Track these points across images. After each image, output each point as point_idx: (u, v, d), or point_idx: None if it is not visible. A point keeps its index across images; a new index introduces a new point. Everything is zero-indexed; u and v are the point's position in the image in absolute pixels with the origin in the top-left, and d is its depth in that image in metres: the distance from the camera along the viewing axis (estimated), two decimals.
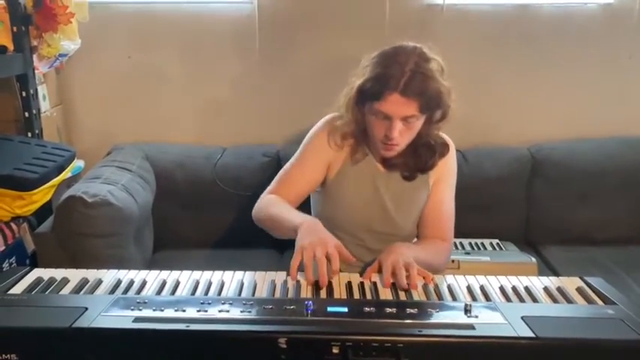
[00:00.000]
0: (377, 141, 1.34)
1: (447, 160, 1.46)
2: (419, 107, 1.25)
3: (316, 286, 1.11)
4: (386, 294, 1.10)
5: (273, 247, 2.13)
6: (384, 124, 1.29)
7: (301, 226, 1.22)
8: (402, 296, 1.09)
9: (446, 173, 1.47)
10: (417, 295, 1.09)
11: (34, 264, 1.78)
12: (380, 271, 1.18)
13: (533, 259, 1.93)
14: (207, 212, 2.22)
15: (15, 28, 1.85)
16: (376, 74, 1.26)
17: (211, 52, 2.32)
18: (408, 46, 1.29)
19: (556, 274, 2.00)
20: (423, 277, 1.15)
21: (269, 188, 1.47)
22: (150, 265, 2.02)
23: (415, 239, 1.52)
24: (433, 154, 1.41)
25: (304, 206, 1.49)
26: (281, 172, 1.49)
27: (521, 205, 2.30)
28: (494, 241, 2.13)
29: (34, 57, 1.96)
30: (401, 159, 1.41)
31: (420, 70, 1.24)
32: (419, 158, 1.41)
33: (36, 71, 1.98)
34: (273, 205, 1.39)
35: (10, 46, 1.85)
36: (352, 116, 1.37)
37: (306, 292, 1.09)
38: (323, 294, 1.09)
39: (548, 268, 2.08)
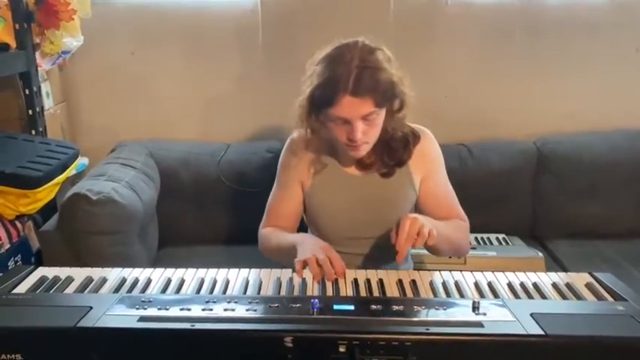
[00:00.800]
0: (342, 145, 1.29)
1: (425, 151, 1.40)
2: (374, 103, 1.20)
3: (323, 283, 1.11)
4: (393, 291, 1.09)
5: None
6: (345, 128, 1.24)
7: (298, 243, 1.24)
8: (409, 293, 1.08)
9: (431, 165, 1.41)
10: (425, 292, 1.08)
11: (39, 262, 1.78)
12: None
13: (541, 254, 1.92)
14: (212, 209, 2.21)
15: (17, 26, 1.84)
16: (323, 79, 1.21)
17: (215, 48, 2.30)
18: (349, 43, 1.24)
19: (563, 268, 1.99)
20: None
21: (262, 222, 1.48)
22: (155, 262, 2.02)
23: None
24: (407, 144, 1.36)
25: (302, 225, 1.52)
26: (268, 201, 1.49)
27: (528, 199, 2.28)
28: (501, 236, 2.12)
29: (37, 54, 1.96)
30: (374, 157, 1.36)
31: (367, 65, 1.19)
32: (393, 152, 1.35)
33: (39, 69, 1.97)
34: (270, 239, 1.40)
35: (13, 44, 1.85)
36: (309, 127, 1.33)
37: (312, 290, 1.09)
38: (329, 292, 1.08)
39: (555, 262, 2.06)
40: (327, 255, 1.14)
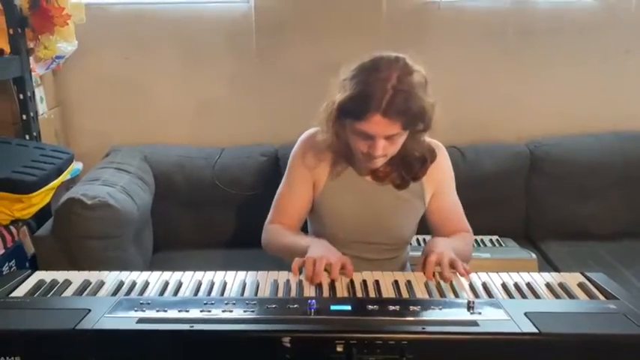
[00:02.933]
0: (359, 154, 1.30)
1: (439, 166, 1.42)
2: (402, 126, 1.21)
3: (319, 285, 1.12)
4: (389, 292, 1.10)
5: None
6: (367, 142, 1.25)
7: (311, 245, 1.25)
8: (405, 294, 1.09)
9: (442, 179, 1.44)
10: (420, 293, 1.09)
11: (34, 267, 1.77)
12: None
13: (534, 255, 1.94)
14: (207, 213, 2.22)
15: (11, 31, 1.84)
16: (357, 92, 1.21)
17: (208, 53, 2.31)
18: (389, 58, 1.22)
19: (556, 269, 2.01)
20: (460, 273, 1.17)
21: (269, 217, 1.47)
22: (150, 266, 2.02)
23: (409, 245, 1.55)
24: (424, 161, 1.38)
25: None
26: (275, 197, 1.48)
27: (521, 201, 2.30)
28: (494, 238, 2.14)
29: (31, 59, 1.96)
30: (389, 169, 1.38)
31: (403, 87, 1.18)
32: (410, 167, 1.37)
33: (33, 73, 1.97)
34: (278, 236, 1.40)
35: (7, 49, 1.85)
36: (334, 132, 1.32)
37: (309, 291, 1.09)
38: (326, 293, 1.09)
39: (547, 263, 2.09)
40: (329, 262, 1.14)
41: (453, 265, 1.17)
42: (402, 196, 1.41)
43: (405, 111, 1.19)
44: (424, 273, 1.18)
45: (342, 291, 1.10)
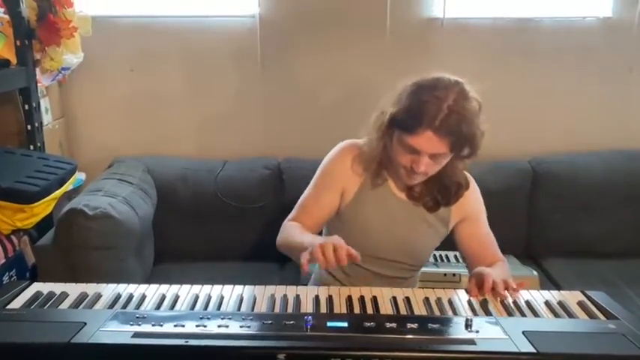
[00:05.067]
0: (400, 168, 1.31)
1: (470, 197, 1.43)
2: (450, 146, 1.22)
3: (317, 300, 1.11)
4: (386, 309, 1.09)
5: (274, 260, 2.12)
6: (411, 156, 1.26)
7: (313, 241, 1.22)
8: (403, 310, 1.08)
9: (473, 208, 1.45)
10: (418, 309, 1.09)
11: (35, 277, 1.78)
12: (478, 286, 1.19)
13: (535, 273, 1.93)
14: (209, 225, 2.21)
15: (18, 42, 1.86)
16: (412, 106, 1.22)
17: (213, 66, 2.33)
18: (449, 80, 1.24)
19: (558, 287, 1.99)
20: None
21: (290, 215, 1.46)
22: (150, 278, 2.01)
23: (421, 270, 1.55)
24: (459, 188, 1.39)
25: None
26: (302, 197, 1.47)
27: (523, 218, 2.29)
28: None
29: (37, 70, 1.97)
30: (425, 191, 1.38)
31: (458, 110, 1.20)
32: (446, 192, 1.38)
33: (38, 84, 1.99)
34: (290, 232, 1.38)
35: (14, 60, 1.87)
36: (383, 142, 1.33)
37: (306, 307, 1.09)
38: (323, 309, 1.09)
39: (549, 281, 2.07)
40: (333, 244, 1.11)
41: (505, 285, 1.17)
42: (430, 220, 1.42)
43: (456, 132, 1.20)
44: (478, 292, 1.17)
45: (339, 307, 1.10)
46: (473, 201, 1.45)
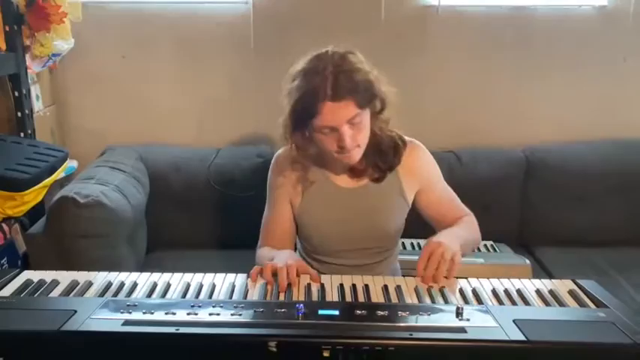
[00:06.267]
0: (333, 154, 1.29)
1: (418, 164, 1.42)
2: (356, 104, 1.20)
3: (309, 287, 1.11)
4: (378, 296, 1.09)
5: None
6: (333, 136, 1.24)
7: (275, 257, 1.24)
8: (394, 299, 1.08)
9: (425, 173, 1.43)
10: (409, 298, 1.09)
11: (26, 265, 1.77)
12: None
13: (527, 261, 1.94)
14: (202, 213, 2.21)
15: (7, 28, 1.83)
16: (302, 92, 1.22)
17: (206, 52, 2.31)
18: (319, 53, 1.25)
19: (550, 275, 2.00)
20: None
21: (259, 242, 1.48)
22: (143, 266, 2.01)
23: (399, 243, 1.54)
24: (397, 146, 1.38)
25: None
26: (262, 221, 1.49)
27: (516, 207, 2.30)
28: (488, 243, 2.13)
29: (27, 56, 1.95)
30: (365, 163, 1.37)
31: (341, 69, 1.20)
32: (385, 156, 1.36)
33: (28, 71, 1.97)
34: (260, 261, 1.38)
35: (3, 46, 1.84)
36: (294, 143, 1.34)
37: (297, 295, 1.09)
38: (315, 297, 1.09)
39: (542, 269, 2.08)
40: (288, 265, 1.13)
41: (452, 263, 1.16)
42: (380, 191, 1.40)
43: (352, 88, 1.19)
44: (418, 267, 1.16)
45: (331, 295, 1.10)
46: (424, 166, 1.43)
